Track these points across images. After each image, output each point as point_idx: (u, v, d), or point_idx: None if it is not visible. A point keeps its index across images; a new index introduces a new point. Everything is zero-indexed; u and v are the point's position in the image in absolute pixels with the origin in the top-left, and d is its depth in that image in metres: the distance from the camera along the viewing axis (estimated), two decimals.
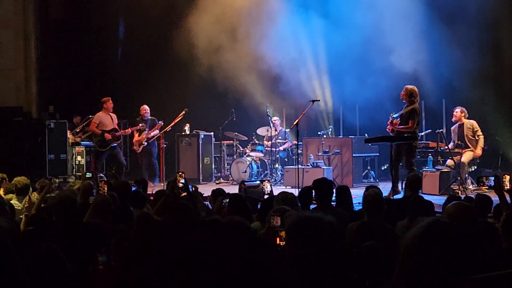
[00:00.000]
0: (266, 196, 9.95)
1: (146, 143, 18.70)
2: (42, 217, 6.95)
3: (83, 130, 20.10)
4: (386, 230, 6.74)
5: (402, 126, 14.47)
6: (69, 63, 22.71)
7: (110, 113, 17.83)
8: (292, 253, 3.32)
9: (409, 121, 14.34)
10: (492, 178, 7.80)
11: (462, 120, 16.48)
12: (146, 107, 19.02)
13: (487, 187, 7.94)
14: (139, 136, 18.74)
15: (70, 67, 22.67)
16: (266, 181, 11.15)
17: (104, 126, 17.61)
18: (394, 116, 14.80)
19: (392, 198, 12.98)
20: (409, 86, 14.87)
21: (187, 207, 7.06)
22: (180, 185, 9.04)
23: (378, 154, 18.62)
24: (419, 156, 17.04)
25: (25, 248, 4.63)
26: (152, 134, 18.72)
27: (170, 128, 18.40)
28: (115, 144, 17.92)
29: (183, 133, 20.05)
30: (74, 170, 19.31)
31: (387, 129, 14.91)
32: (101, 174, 16.03)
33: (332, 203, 8.78)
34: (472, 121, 16.51)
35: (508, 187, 8.69)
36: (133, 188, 9.70)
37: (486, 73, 19.27)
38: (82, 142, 19.96)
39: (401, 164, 14.72)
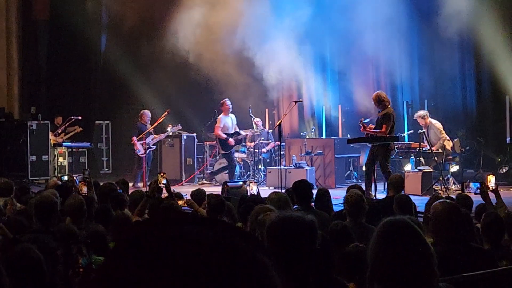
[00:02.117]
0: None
1: (154, 147, 18.66)
2: (19, 220, 6.88)
3: (65, 131, 20.01)
4: (367, 231, 6.74)
5: (377, 131, 14.50)
6: (51, 64, 22.61)
7: (230, 114, 17.97)
8: (272, 253, 3.31)
9: (383, 126, 14.38)
10: (474, 185, 7.79)
11: (430, 123, 16.47)
12: (148, 112, 18.88)
13: (471, 193, 7.94)
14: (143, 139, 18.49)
15: (52, 68, 22.57)
16: (253, 183, 11.10)
17: (226, 129, 17.81)
18: (365, 121, 14.90)
19: (374, 198, 12.96)
20: (376, 93, 14.91)
21: (173, 207, 7.04)
22: (162, 185, 9.01)
23: (360, 154, 18.66)
24: (401, 157, 17.10)
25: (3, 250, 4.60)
26: (158, 138, 18.71)
27: (152, 129, 18.33)
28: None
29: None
30: (56, 171, 19.20)
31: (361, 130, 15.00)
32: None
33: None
34: (437, 122, 16.50)
35: (493, 187, 8.73)
36: (120, 190, 9.64)
37: (468, 74, 19.37)
38: (64, 143, 19.86)
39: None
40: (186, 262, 1.01)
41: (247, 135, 18.19)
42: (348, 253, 5.19)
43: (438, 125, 16.35)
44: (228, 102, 17.85)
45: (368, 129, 14.70)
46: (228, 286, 1.01)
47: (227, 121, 17.77)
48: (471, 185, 7.86)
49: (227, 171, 18.10)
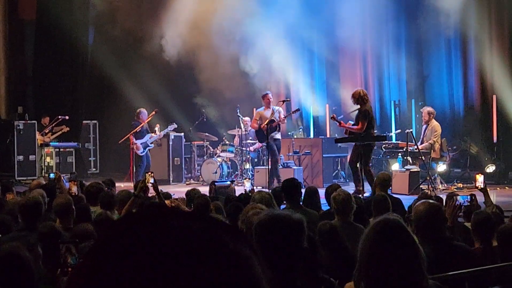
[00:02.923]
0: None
1: (152, 146, 18.48)
2: (6, 219, 6.86)
3: (52, 131, 19.94)
4: (355, 230, 6.75)
5: (354, 127, 14.67)
6: (38, 64, 22.53)
7: (273, 107, 16.95)
8: (260, 251, 3.30)
9: (359, 122, 14.50)
10: (461, 198, 7.70)
11: (430, 122, 16.49)
12: (145, 110, 18.61)
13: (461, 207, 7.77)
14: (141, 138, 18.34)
15: (39, 68, 22.49)
16: (246, 179, 11.08)
17: (266, 120, 16.65)
18: (339, 118, 15.32)
19: (362, 197, 12.97)
20: (357, 90, 15.03)
21: (158, 204, 7.02)
22: (149, 185, 9.00)
23: (347, 154, 18.66)
24: (388, 156, 17.13)
25: None
26: (156, 136, 18.58)
27: (139, 129, 18.26)
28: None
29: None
30: (43, 171, 19.13)
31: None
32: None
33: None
34: (437, 124, 16.52)
35: (482, 186, 8.75)
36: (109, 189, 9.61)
37: (455, 73, 19.43)
38: (51, 143, 19.79)
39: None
40: (169, 256, 1.01)
41: (280, 120, 16.78)
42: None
43: (438, 127, 16.33)
44: (270, 95, 17.13)
45: (345, 125, 14.93)
46: (211, 279, 1.01)
47: (266, 114, 16.80)
48: (459, 198, 7.57)
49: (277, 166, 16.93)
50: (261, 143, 16.86)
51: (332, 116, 15.52)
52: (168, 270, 1.00)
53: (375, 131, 15.17)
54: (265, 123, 16.20)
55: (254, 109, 21.58)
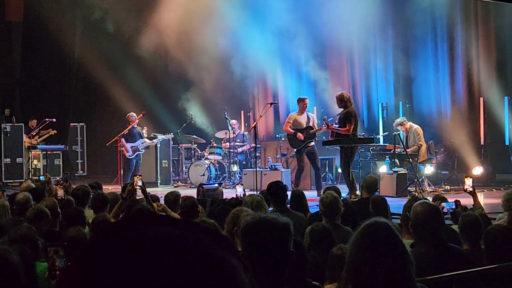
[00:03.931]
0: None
1: (143, 151, 18.41)
2: None
3: (39, 134, 19.89)
4: (343, 232, 6.76)
5: (341, 129, 14.75)
6: (25, 66, 22.46)
7: (307, 113, 16.38)
8: (246, 255, 3.30)
9: (346, 124, 14.59)
10: (447, 205, 7.74)
11: (410, 128, 16.51)
12: (134, 114, 18.52)
13: (446, 213, 7.83)
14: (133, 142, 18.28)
15: (26, 70, 22.43)
16: (239, 184, 11.03)
17: (299, 125, 16.15)
18: (328, 120, 15.39)
19: (351, 200, 12.99)
20: (340, 93, 15.15)
21: (145, 209, 7.01)
22: (138, 188, 8.99)
23: (335, 156, 18.69)
24: (376, 159, 17.15)
25: None
26: (148, 143, 18.55)
27: (127, 131, 18.23)
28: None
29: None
30: (30, 174, 19.08)
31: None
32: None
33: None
34: (417, 127, 16.54)
35: (470, 189, 8.78)
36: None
37: (442, 75, 19.49)
38: (38, 146, 19.73)
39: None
40: (154, 262, 1.01)
41: (317, 129, 16.10)
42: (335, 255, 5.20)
43: (419, 130, 16.38)
44: (307, 101, 16.58)
45: (332, 127, 15.01)
46: (195, 286, 1.01)
47: (300, 119, 16.22)
48: (444, 204, 7.62)
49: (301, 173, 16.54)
50: (293, 148, 16.47)
51: (323, 118, 15.56)
52: (153, 277, 1.00)
53: (363, 134, 15.21)
54: (303, 129, 15.87)
55: (242, 111, 21.66)
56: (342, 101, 14.79)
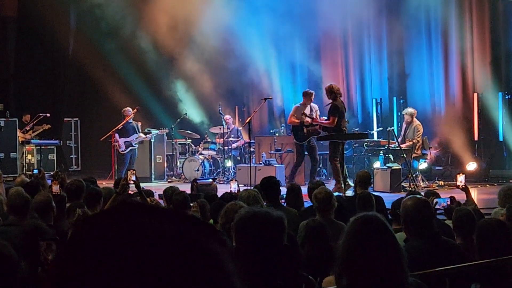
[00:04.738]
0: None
1: (136, 146, 18.35)
2: None
3: (33, 129, 19.86)
4: (337, 227, 6.77)
5: (325, 122, 14.94)
6: (19, 61, 22.41)
7: (311, 105, 16.21)
8: (240, 250, 3.30)
9: (330, 117, 14.73)
10: (443, 201, 7.75)
11: (413, 122, 16.55)
12: (130, 108, 18.46)
13: (441, 209, 7.84)
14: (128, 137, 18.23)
15: (20, 65, 22.38)
16: (233, 180, 11.02)
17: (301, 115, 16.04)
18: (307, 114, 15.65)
19: (345, 195, 12.99)
20: (329, 84, 15.23)
21: (131, 200, 7.00)
22: (131, 182, 8.98)
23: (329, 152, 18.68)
24: (370, 154, 17.18)
25: None
26: (142, 137, 18.50)
27: (121, 126, 18.19)
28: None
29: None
30: (24, 168, 19.05)
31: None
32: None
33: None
34: (419, 124, 16.57)
35: (463, 186, 8.79)
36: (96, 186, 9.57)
37: (436, 71, 19.50)
38: (32, 141, 19.70)
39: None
40: (140, 253, 1.01)
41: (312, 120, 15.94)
42: None
43: (420, 127, 16.41)
44: (313, 96, 16.38)
45: (317, 120, 15.28)
46: (181, 276, 1.01)
47: (304, 112, 16.04)
48: (438, 200, 7.63)
49: (298, 167, 16.59)
50: (296, 141, 16.38)
51: (302, 113, 15.60)
52: (138, 266, 1.00)
53: (357, 129, 15.23)
54: (306, 119, 15.78)
55: (236, 107, 21.66)
56: (331, 92, 14.88)
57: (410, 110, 16.81)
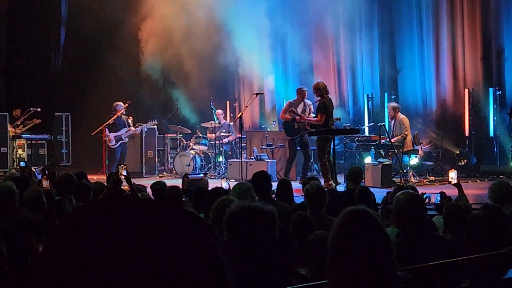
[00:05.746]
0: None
1: (126, 139, 18.32)
2: None
3: (23, 123, 19.81)
4: (328, 222, 6.77)
5: (313, 119, 15.13)
6: (10, 55, 22.33)
7: (305, 101, 16.14)
8: (231, 244, 3.30)
9: (318, 114, 14.86)
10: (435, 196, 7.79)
11: (397, 116, 16.58)
12: (121, 103, 18.42)
13: (430, 205, 7.87)
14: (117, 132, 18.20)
15: (11, 59, 22.29)
16: (224, 179, 11.00)
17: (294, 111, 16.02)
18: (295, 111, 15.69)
19: (335, 189, 12.99)
20: (316, 82, 15.38)
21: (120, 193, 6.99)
22: (122, 177, 8.96)
23: None
24: (361, 149, 17.20)
25: None
26: (132, 131, 18.48)
27: (112, 121, 18.17)
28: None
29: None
30: (15, 163, 19.00)
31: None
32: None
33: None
34: (404, 117, 16.60)
35: (455, 181, 8.80)
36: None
37: (427, 67, 19.52)
38: (23, 135, 19.66)
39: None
40: (129, 245, 1.01)
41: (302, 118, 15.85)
42: (312, 241, 5.21)
43: (405, 120, 16.45)
44: (306, 92, 16.22)
45: (305, 118, 15.39)
46: (172, 268, 1.01)
47: (297, 108, 16.05)
48: (429, 195, 7.74)
49: (292, 162, 16.58)
50: (288, 136, 16.36)
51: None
52: (129, 257, 1.00)
53: (348, 125, 15.25)
54: (299, 115, 15.78)
55: (228, 102, 21.65)
56: (318, 90, 14.99)
57: (392, 104, 16.90)
